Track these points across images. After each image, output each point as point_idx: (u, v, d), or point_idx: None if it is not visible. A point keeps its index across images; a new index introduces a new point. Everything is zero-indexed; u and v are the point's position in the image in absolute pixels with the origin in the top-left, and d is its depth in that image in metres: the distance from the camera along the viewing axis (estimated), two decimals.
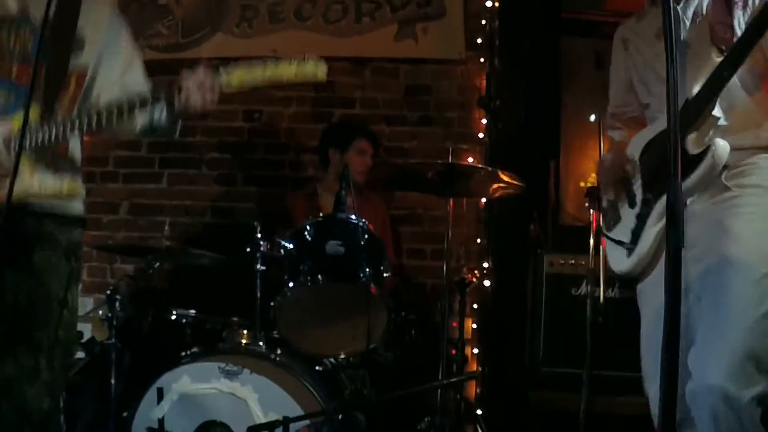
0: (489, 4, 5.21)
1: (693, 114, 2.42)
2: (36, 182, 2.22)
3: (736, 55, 2.33)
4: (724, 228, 2.37)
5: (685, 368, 2.26)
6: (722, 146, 2.38)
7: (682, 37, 2.49)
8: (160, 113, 2.42)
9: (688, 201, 2.43)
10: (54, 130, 2.20)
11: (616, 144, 3.02)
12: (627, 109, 2.94)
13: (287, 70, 2.29)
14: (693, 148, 2.42)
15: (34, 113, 2.23)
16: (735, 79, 2.39)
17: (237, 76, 2.27)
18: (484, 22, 5.21)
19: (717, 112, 2.42)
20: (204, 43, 5.35)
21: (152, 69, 5.42)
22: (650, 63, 2.72)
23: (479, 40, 5.19)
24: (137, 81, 2.53)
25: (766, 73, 2.47)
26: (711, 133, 2.43)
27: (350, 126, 4.80)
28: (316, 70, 2.36)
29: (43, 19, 2.11)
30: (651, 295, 2.57)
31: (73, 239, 2.41)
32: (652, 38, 2.72)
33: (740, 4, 2.49)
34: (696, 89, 2.43)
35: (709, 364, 2.23)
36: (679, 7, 2.55)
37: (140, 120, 2.44)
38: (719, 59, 2.40)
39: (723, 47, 2.43)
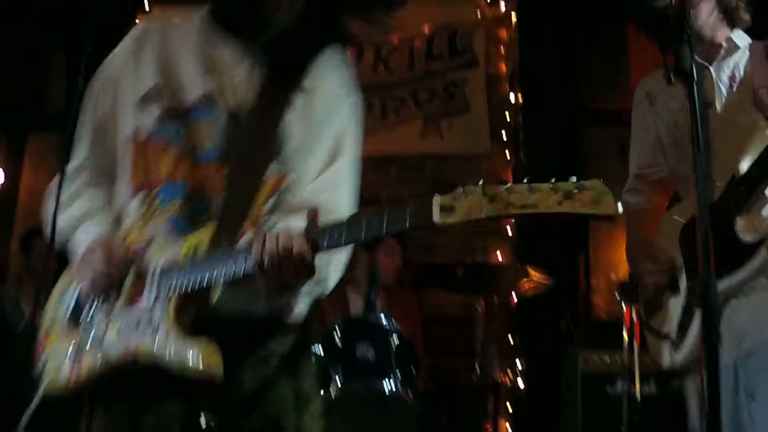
0: (512, 97, 5.33)
1: (743, 193, 2.28)
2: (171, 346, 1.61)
3: None
4: None
5: None
6: None
7: (716, 104, 2.36)
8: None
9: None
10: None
11: (632, 211, 2.70)
12: (655, 169, 2.66)
13: (552, 203, 1.35)
14: (745, 234, 2.28)
15: (207, 234, 1.67)
16: None
17: (462, 210, 1.38)
18: (508, 115, 5.31)
19: None
20: None
21: None
22: (678, 129, 2.51)
23: (504, 134, 5.28)
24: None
25: None
26: (763, 214, 2.27)
27: None
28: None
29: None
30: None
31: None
32: (682, 98, 2.48)
33: None
34: (744, 164, 2.29)
35: None
36: (711, 69, 2.42)
37: None
38: None
39: None
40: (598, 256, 5.32)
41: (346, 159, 1.86)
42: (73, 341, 1.71)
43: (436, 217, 1.39)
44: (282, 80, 1.80)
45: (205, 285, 1.58)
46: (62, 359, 1.70)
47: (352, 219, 1.50)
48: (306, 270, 1.52)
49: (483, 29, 5.52)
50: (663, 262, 2.53)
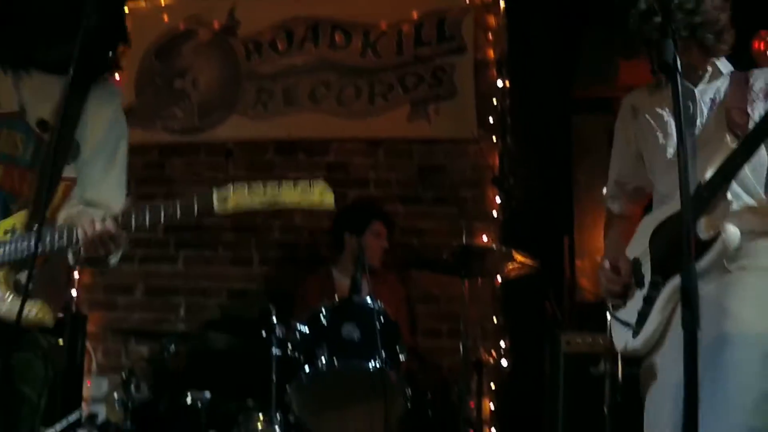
0: (500, 83, 5.33)
1: (705, 199, 2.41)
2: (5, 305, 2.14)
3: (750, 143, 2.34)
4: (723, 309, 2.35)
5: None
6: (733, 232, 2.37)
7: (697, 122, 2.50)
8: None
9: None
10: (34, 244, 2.03)
11: (616, 219, 2.93)
12: (633, 180, 2.84)
13: (290, 196, 2.08)
14: (704, 233, 2.41)
15: (20, 219, 2.21)
16: (746, 168, 2.39)
17: (233, 201, 2.05)
18: (495, 101, 5.31)
19: (729, 197, 2.42)
20: (220, 125, 5.46)
21: (169, 152, 5.53)
22: (662, 142, 2.67)
23: (491, 119, 5.28)
24: (106, 195, 2.40)
25: None
26: (722, 217, 2.41)
27: (365, 209, 4.80)
28: (322, 198, 2.11)
29: (55, 125, 2.20)
30: (662, 372, 2.51)
31: (54, 344, 2.31)
32: (665, 114, 2.68)
33: (761, 95, 2.50)
34: (709, 174, 2.42)
35: None
36: (697, 90, 2.56)
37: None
38: (733, 145, 2.40)
39: (738, 133, 2.44)
40: (584, 238, 5.35)
41: (120, 167, 2.47)
42: None
43: (216, 206, 2.04)
44: (73, 103, 2.28)
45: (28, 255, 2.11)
46: None
47: (153, 207, 2.11)
48: (117, 245, 2.16)
49: (472, 15, 5.45)
50: (623, 274, 2.66)
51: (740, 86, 2.57)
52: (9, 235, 2.21)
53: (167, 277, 5.34)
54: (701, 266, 2.37)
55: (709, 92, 2.58)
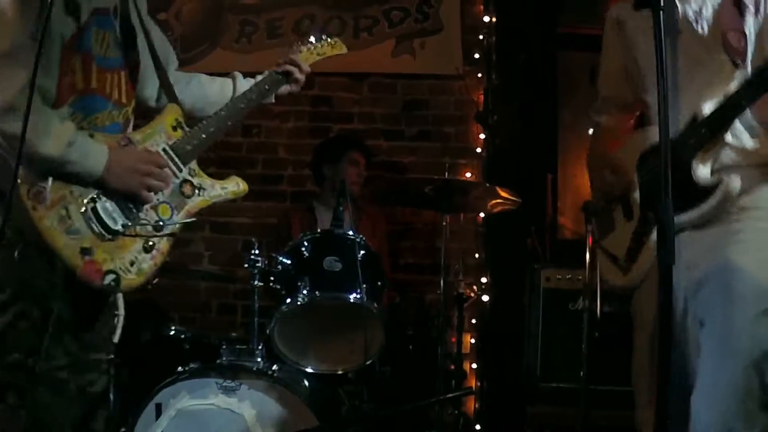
0: (486, 19, 5.31)
1: (704, 136, 2.35)
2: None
3: (757, 85, 2.26)
4: (726, 258, 2.30)
5: (688, 404, 2.22)
6: (735, 181, 2.32)
7: (683, 39, 2.39)
8: None
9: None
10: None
11: (597, 129, 2.89)
12: (621, 94, 2.78)
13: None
14: (702, 176, 2.36)
15: (175, 111, 2.46)
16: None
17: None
18: (481, 37, 5.30)
19: (729, 138, 2.35)
20: (203, 58, 5.43)
21: None
22: (649, 58, 2.55)
23: (476, 55, 5.29)
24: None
25: None
26: (720, 158, 2.35)
27: (341, 139, 4.90)
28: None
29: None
30: (646, 310, 2.55)
31: None
32: (650, 30, 2.54)
33: (752, 9, 2.39)
34: (707, 106, 2.34)
35: (716, 401, 2.20)
36: (677, 1, 2.43)
37: None
38: (734, 74, 2.33)
39: (738, 60, 2.35)
40: (567, 176, 5.38)
41: None
42: None
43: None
44: None
45: None
46: None
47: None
48: None
49: None
50: (622, 172, 2.63)
51: (731, 4, 2.42)
52: (178, 130, 2.43)
53: None
54: (699, 214, 2.34)
55: (694, 4, 2.46)
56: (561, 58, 5.44)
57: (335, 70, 5.12)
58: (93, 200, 2.20)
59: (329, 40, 2.97)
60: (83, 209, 2.18)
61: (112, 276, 2.21)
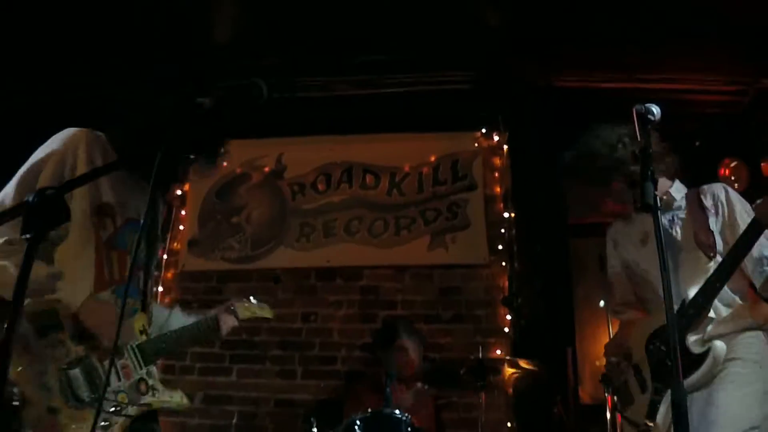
0: (506, 215, 5.68)
1: (691, 315, 2.72)
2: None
3: (725, 270, 2.66)
4: (711, 400, 2.65)
5: None
6: (720, 347, 2.68)
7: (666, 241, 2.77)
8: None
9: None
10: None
11: (625, 323, 3.23)
12: (632, 295, 3.20)
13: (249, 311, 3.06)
14: (695, 348, 2.71)
15: (143, 319, 2.64)
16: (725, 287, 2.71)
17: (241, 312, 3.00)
18: (503, 230, 5.63)
19: (712, 314, 2.74)
20: (269, 255, 5.82)
21: (226, 278, 5.96)
22: (637, 265, 3.01)
23: (500, 246, 5.60)
24: None
25: (746, 282, 2.81)
26: (708, 329, 2.70)
27: (390, 327, 4.93)
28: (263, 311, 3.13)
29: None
30: None
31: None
32: (637, 243, 3.03)
33: (713, 211, 2.83)
34: (692, 291, 2.72)
35: None
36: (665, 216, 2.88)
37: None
38: (708, 264, 2.72)
39: (710, 254, 2.75)
40: (583, 347, 5.60)
41: None
42: None
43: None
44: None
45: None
46: None
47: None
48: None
49: (480, 157, 5.88)
50: (621, 358, 3.09)
51: (696, 207, 2.90)
52: (143, 335, 2.60)
53: (223, 387, 5.57)
54: (695, 378, 2.71)
55: (667, 215, 2.94)
56: (572, 245, 5.74)
57: (381, 263, 5.65)
58: (68, 366, 2.32)
59: (261, 304, 3.16)
60: (60, 370, 2.32)
61: None
